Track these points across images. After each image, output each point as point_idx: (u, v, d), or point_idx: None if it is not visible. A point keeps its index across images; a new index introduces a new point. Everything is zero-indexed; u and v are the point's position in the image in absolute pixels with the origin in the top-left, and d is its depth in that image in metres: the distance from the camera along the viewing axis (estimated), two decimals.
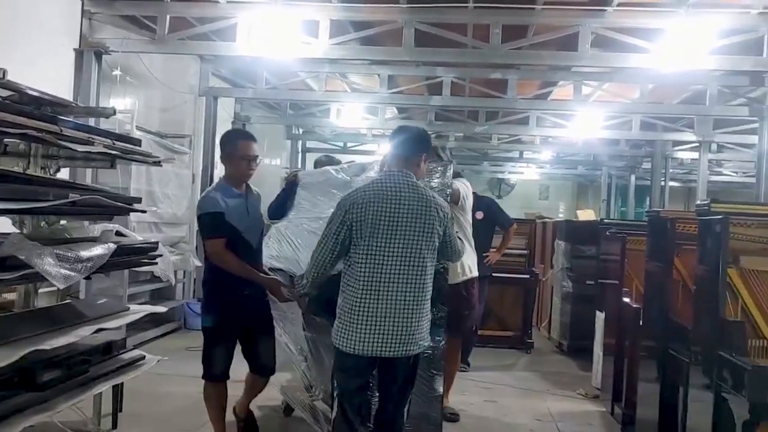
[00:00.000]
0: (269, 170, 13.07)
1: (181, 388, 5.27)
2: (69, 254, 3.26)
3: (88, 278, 3.69)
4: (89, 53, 6.76)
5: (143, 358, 4.49)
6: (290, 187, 4.53)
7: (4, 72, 3.43)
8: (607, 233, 6.01)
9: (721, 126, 11.04)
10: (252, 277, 3.83)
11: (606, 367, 5.74)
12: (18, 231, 3.66)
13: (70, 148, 3.51)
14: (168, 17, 6.94)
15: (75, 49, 6.75)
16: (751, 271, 3.26)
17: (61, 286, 3.29)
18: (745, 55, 6.77)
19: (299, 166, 14.30)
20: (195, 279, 8.57)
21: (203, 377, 3.94)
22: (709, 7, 6.48)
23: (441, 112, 12.12)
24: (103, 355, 4.19)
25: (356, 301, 3.13)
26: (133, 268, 5.95)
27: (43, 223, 3.90)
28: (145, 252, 4.33)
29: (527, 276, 8.23)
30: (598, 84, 9.88)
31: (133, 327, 6.07)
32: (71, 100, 5.91)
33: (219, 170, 4.11)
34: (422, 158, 3.37)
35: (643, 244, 4.91)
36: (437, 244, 3.25)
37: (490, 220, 6.59)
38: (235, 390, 4.13)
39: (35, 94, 3.87)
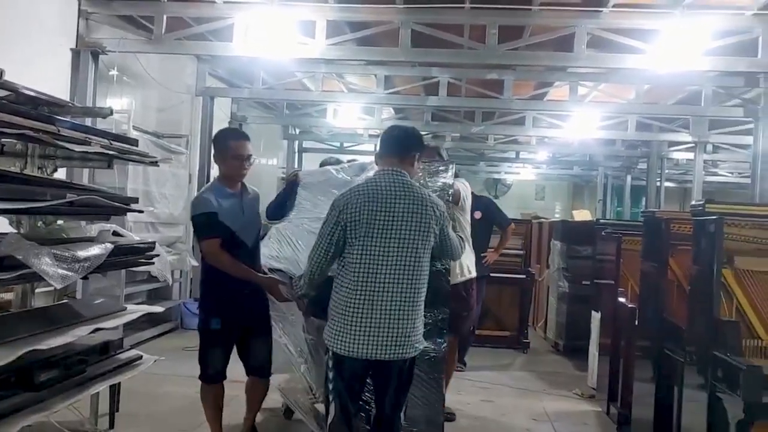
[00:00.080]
0: (266, 170, 13.08)
1: (178, 388, 5.27)
2: (66, 254, 3.27)
3: (85, 278, 3.68)
4: (86, 53, 6.75)
5: (140, 358, 4.49)
6: (290, 187, 4.47)
7: (2, 72, 3.43)
8: (603, 233, 6.03)
9: (716, 127, 11.08)
10: (248, 276, 3.81)
11: (602, 366, 5.76)
12: (15, 231, 3.66)
13: (67, 148, 3.51)
14: (165, 17, 6.94)
15: (72, 49, 6.74)
16: (746, 271, 3.28)
17: (59, 286, 3.29)
18: (739, 56, 6.79)
19: (296, 166, 14.30)
20: (192, 279, 8.57)
21: (200, 378, 3.93)
22: (704, 8, 6.51)
23: (437, 113, 12.14)
24: (100, 355, 4.19)
25: (350, 302, 3.08)
26: (130, 268, 5.97)
27: (40, 223, 3.90)
28: (142, 252, 4.33)
29: (523, 276, 8.26)
30: (594, 84, 9.91)
31: (130, 327, 6.06)
32: (68, 100, 5.90)
33: (216, 170, 4.10)
34: (416, 157, 3.34)
35: (639, 244, 4.94)
36: (433, 243, 3.21)
37: (488, 220, 6.60)
38: (232, 390, 4.12)
39: (32, 94, 3.87)
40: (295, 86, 10.60)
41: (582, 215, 14.68)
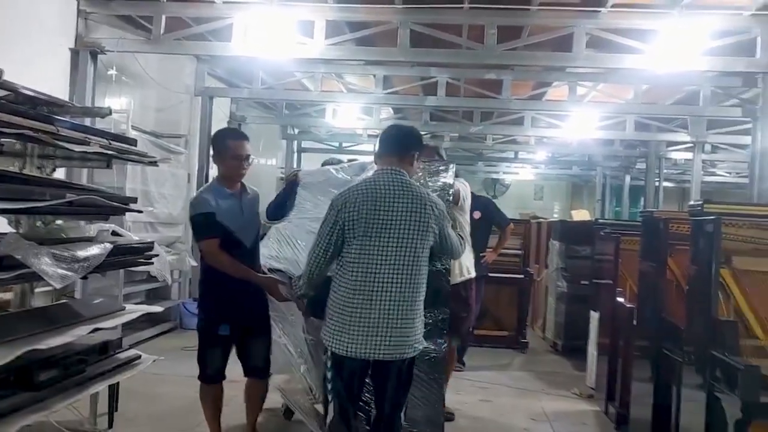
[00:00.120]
0: (265, 170, 13.07)
1: (177, 388, 5.27)
2: (65, 254, 3.27)
3: (84, 278, 3.69)
4: (85, 53, 6.76)
5: (139, 357, 4.49)
6: (290, 187, 4.44)
7: (1, 72, 3.43)
8: (602, 233, 6.03)
9: (714, 127, 11.10)
10: (248, 276, 3.79)
11: (600, 366, 5.76)
12: (14, 231, 3.66)
13: (67, 148, 3.51)
14: (164, 17, 6.95)
15: (71, 49, 6.75)
16: (744, 271, 3.29)
17: (58, 286, 3.29)
18: (737, 56, 6.81)
19: (295, 166, 14.31)
20: (191, 279, 8.57)
21: (199, 378, 3.93)
22: (703, 9, 6.53)
23: (436, 113, 12.15)
24: (99, 354, 4.18)
25: (349, 302, 3.07)
26: (129, 268, 5.96)
27: (39, 223, 3.90)
28: (141, 252, 4.33)
29: (522, 276, 8.27)
30: (593, 84, 9.92)
31: (129, 327, 6.06)
32: (67, 99, 5.90)
33: (215, 170, 4.10)
34: (415, 156, 3.33)
35: (637, 244, 4.94)
36: (432, 242, 3.19)
37: (487, 220, 6.60)
38: (232, 390, 4.12)
39: (31, 94, 3.87)
40: (294, 86, 10.61)
41: (580, 215, 14.70)
